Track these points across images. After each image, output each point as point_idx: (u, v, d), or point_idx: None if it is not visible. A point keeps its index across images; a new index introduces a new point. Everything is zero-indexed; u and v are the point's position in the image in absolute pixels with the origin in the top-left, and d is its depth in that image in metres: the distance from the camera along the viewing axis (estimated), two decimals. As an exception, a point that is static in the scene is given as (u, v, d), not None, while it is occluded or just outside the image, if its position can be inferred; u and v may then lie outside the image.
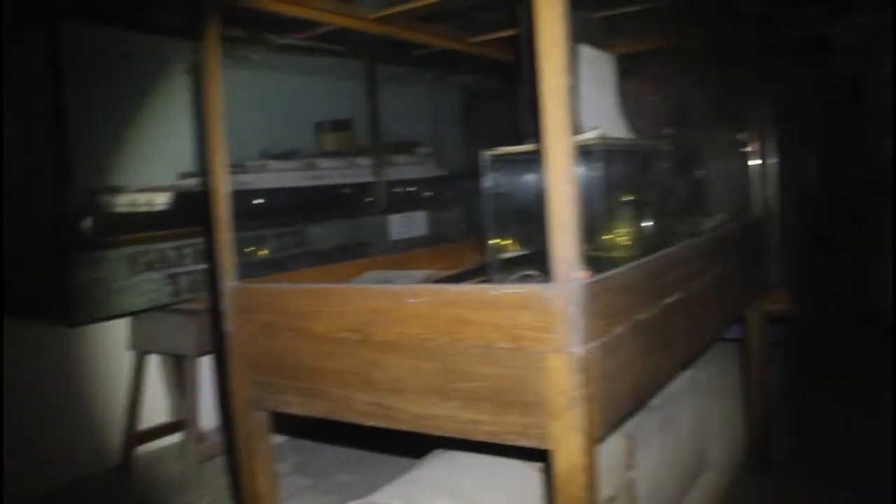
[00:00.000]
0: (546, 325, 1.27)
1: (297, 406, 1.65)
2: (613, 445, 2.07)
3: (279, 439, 3.54)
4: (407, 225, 4.12)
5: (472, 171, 2.11)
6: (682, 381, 2.68)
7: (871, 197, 4.71)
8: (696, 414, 2.75)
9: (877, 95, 4.77)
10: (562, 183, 1.23)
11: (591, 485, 1.30)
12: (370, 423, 1.53)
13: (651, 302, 1.60)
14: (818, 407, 3.33)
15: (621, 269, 1.49)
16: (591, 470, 1.29)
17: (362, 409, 1.53)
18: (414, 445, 2.01)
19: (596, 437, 1.31)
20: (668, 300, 1.70)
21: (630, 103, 2.25)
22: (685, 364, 2.86)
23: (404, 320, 1.44)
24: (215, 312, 2.09)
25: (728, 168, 3.07)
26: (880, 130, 4.72)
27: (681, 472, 2.59)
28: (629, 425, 2.24)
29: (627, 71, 2.45)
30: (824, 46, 4.63)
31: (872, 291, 4.32)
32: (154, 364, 3.58)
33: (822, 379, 3.81)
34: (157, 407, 3.60)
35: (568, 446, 1.27)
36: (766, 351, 2.81)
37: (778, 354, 3.04)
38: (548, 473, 1.39)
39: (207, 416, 3.52)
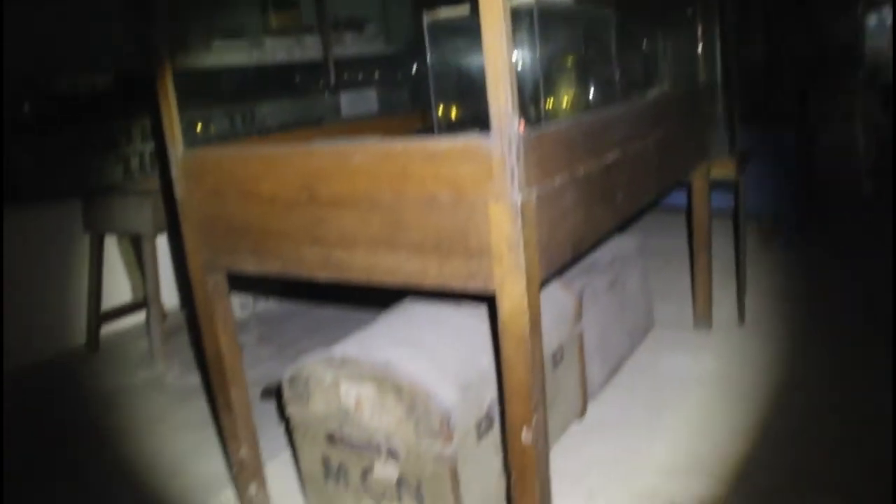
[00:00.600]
0: (485, 174, 1.31)
1: (250, 265, 1.70)
2: (562, 300, 2.18)
3: (243, 314, 3.64)
4: (357, 102, 4.09)
5: (420, 47, 2.11)
6: (631, 244, 2.79)
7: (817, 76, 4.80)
8: (643, 276, 2.88)
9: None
10: (496, 38, 1.25)
11: (535, 325, 1.39)
12: (322, 276, 1.59)
13: (590, 157, 1.65)
14: (756, 271, 3.50)
15: (559, 123, 1.53)
16: (534, 310, 1.37)
17: (313, 264, 1.59)
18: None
19: (537, 280, 1.38)
20: (608, 157, 1.76)
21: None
22: (629, 222, 2.97)
23: (350, 177, 1.48)
24: (166, 184, 2.10)
25: (677, 39, 3.07)
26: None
27: (628, 327, 2.74)
28: (578, 283, 2.35)
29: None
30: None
31: (813, 164, 4.45)
32: (112, 245, 3.59)
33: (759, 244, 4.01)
34: (119, 288, 3.64)
35: (511, 289, 1.35)
36: (710, 217, 2.92)
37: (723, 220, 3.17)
38: (494, 320, 1.47)
39: (169, 295, 3.58)
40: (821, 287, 3.44)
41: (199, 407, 2.78)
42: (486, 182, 1.32)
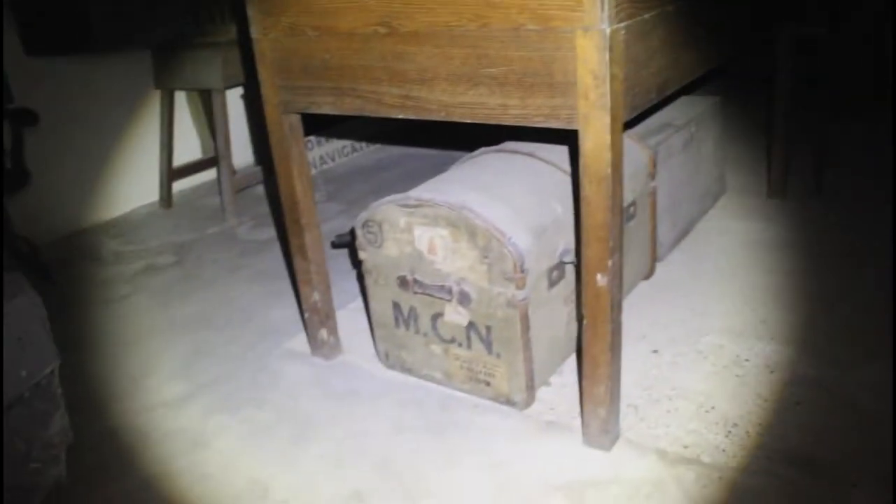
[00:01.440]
0: (575, 3, 1.26)
1: (327, 106, 1.69)
2: (636, 155, 2.13)
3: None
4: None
5: None
6: (709, 105, 2.69)
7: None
8: (719, 140, 2.79)
9: None
10: None
11: (617, 165, 1.36)
12: (400, 115, 1.58)
13: (681, -5, 1.56)
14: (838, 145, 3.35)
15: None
16: (616, 148, 1.34)
17: (392, 103, 1.57)
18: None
19: (621, 119, 1.35)
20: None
21: None
22: (712, 84, 2.84)
23: (431, 8, 1.43)
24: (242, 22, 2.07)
25: None
26: None
27: (701, 191, 2.68)
28: (653, 139, 2.29)
29: None
30: None
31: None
32: (182, 101, 3.63)
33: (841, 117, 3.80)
34: (188, 145, 3.71)
35: (595, 125, 1.31)
36: (793, 81, 2.77)
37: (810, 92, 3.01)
38: (574, 162, 1.45)
39: (238, 153, 3.63)
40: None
41: (272, 258, 2.87)
42: (575, 11, 1.26)
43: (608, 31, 1.25)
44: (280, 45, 1.71)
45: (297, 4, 1.65)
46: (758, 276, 2.36)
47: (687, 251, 2.55)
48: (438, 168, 2.15)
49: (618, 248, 1.44)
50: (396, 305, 1.90)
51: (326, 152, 3.89)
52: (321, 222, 2.09)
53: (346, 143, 3.99)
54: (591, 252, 1.44)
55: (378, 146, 4.16)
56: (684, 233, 2.59)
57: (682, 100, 2.71)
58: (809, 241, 2.59)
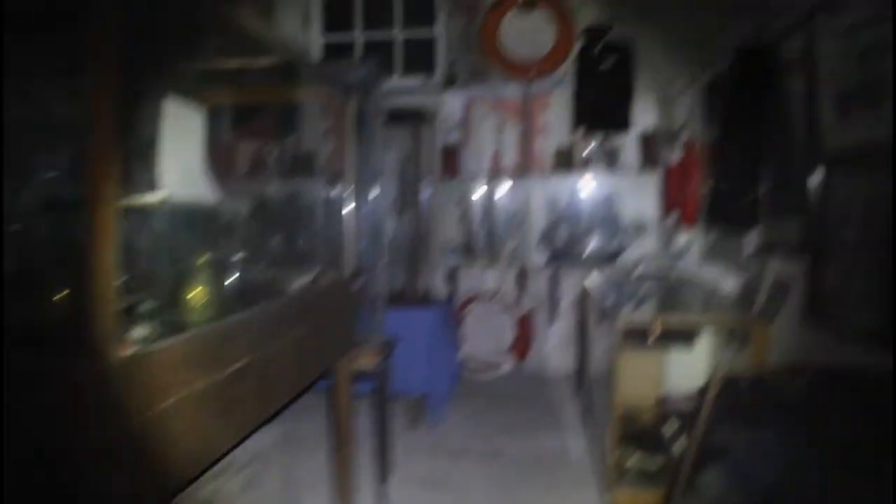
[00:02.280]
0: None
1: None
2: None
3: None
4: None
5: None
6: (271, 438, 2.68)
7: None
8: (285, 471, 2.77)
9: (472, 162, 5.43)
10: (102, 249, 1.15)
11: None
12: None
13: (213, 368, 1.56)
14: (405, 452, 3.58)
15: (181, 337, 1.43)
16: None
17: None
18: None
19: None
20: (234, 366, 1.68)
21: (223, 155, 2.22)
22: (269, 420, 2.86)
23: None
24: None
25: (326, 223, 3.19)
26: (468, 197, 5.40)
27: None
28: (208, 489, 2.16)
29: (225, 123, 2.42)
30: (425, 117, 5.16)
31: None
32: None
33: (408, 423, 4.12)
34: None
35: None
36: (352, 407, 2.91)
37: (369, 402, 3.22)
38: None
39: None
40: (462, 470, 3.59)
41: None
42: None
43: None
44: None
45: None
46: None
47: None
48: None
49: None
50: None
51: None
52: None
53: None
54: None
55: None
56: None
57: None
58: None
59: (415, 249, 4.92)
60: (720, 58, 3.35)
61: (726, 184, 2.96)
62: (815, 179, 2.41)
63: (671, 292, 3.66)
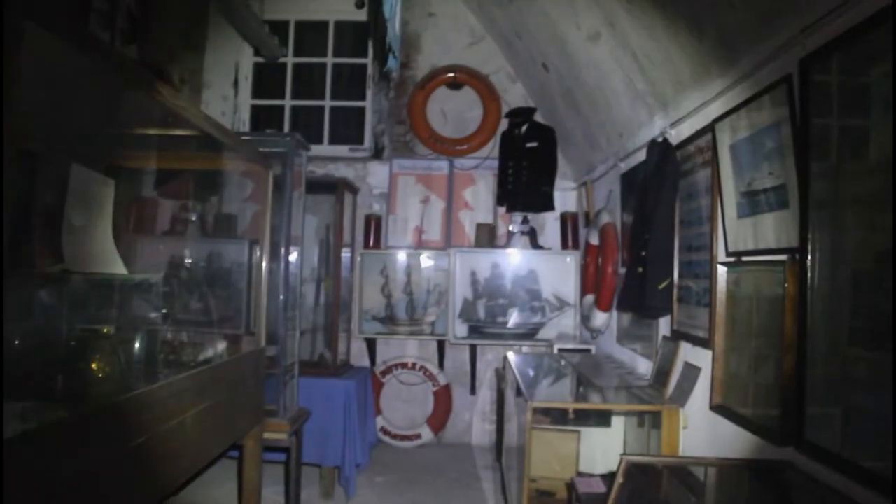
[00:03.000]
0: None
1: None
2: None
3: None
4: None
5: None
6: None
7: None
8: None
9: (397, 232, 5.47)
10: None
11: None
12: None
13: (102, 448, 1.49)
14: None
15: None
16: None
17: None
18: None
19: None
20: (131, 443, 1.61)
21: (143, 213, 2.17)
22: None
23: None
24: None
25: (240, 287, 3.15)
26: (390, 267, 5.40)
27: None
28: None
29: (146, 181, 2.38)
30: (350, 186, 5.18)
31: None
32: None
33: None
34: None
35: None
36: (261, 479, 2.84)
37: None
38: None
39: None
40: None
41: None
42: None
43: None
44: None
45: None
46: None
47: None
48: None
49: None
50: None
51: None
52: None
53: None
54: None
55: None
56: None
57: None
58: None
59: (334, 317, 4.85)
60: (638, 147, 3.51)
61: (641, 268, 3.06)
62: (721, 273, 2.51)
63: (588, 370, 3.72)
